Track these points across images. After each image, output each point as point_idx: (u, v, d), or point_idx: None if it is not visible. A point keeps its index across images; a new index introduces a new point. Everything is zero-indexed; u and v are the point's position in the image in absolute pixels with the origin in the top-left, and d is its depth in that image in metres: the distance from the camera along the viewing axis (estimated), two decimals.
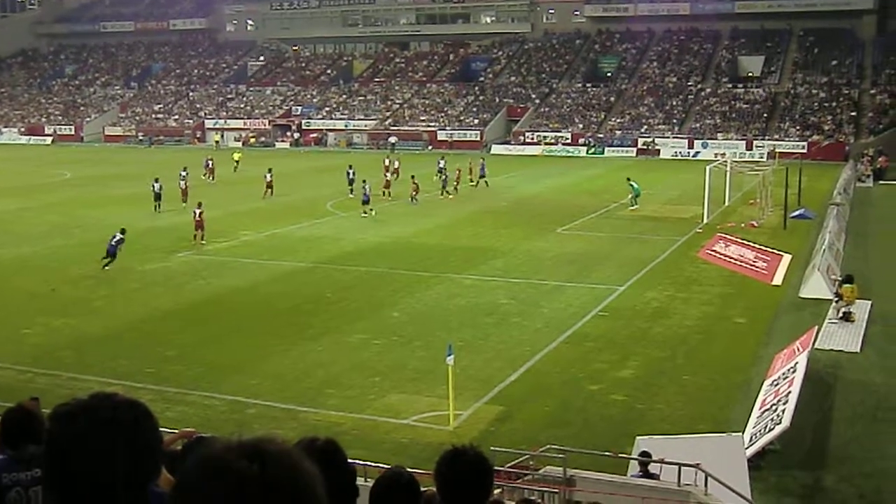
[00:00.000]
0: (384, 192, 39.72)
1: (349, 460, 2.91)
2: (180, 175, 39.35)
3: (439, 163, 45.07)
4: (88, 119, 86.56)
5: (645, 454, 10.90)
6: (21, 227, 33.20)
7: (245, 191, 42.06)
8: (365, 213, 35.26)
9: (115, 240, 25.61)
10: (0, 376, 16.17)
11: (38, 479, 4.67)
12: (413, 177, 39.60)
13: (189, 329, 19.54)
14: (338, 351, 17.84)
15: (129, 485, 1.90)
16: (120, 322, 20.05)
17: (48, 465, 1.92)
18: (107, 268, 25.18)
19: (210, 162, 48.27)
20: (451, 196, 40.92)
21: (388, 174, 42.71)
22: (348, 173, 41.95)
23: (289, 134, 78.32)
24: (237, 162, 51.40)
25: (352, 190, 40.42)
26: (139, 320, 20.19)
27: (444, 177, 41.96)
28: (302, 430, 13.47)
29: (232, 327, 19.67)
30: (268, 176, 41.00)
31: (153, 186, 36.87)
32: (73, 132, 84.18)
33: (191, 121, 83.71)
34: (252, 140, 77.18)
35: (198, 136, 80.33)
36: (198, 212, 29.89)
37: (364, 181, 36.64)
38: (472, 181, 44.69)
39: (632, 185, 37.40)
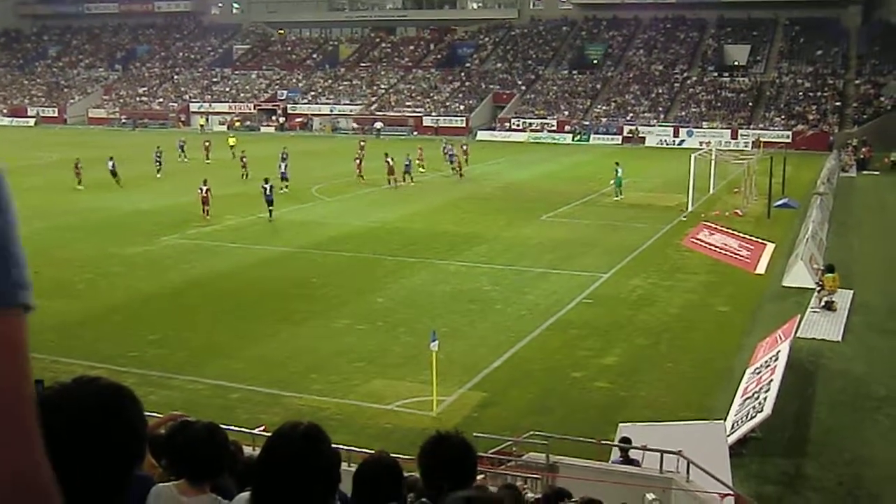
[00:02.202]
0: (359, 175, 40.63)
1: (333, 445, 2.90)
2: (155, 156, 41.30)
3: (444, 147, 46.23)
4: (72, 101, 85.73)
5: (625, 440, 10.98)
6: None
7: (225, 175, 41.80)
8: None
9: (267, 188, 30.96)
10: None
11: None
12: (388, 156, 39.93)
13: (173, 313, 19.45)
14: (322, 336, 17.82)
15: (115, 469, 1.89)
16: (103, 305, 19.94)
17: None
18: (271, 220, 30.56)
19: (183, 144, 48.79)
20: (406, 184, 40.25)
21: (361, 158, 42.22)
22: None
23: (274, 118, 77.88)
24: (232, 147, 50.19)
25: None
26: (123, 304, 20.09)
27: (406, 162, 41.19)
28: (286, 414, 13.46)
29: (216, 312, 19.60)
30: (244, 159, 41.75)
31: (108, 164, 39.66)
32: (56, 114, 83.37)
33: (175, 104, 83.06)
34: (237, 124, 76.68)
35: (182, 119, 79.72)
36: (204, 188, 30.99)
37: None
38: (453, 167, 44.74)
39: (616, 171, 37.26)
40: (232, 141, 51.67)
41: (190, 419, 4.37)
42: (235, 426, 9.96)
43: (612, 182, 37.29)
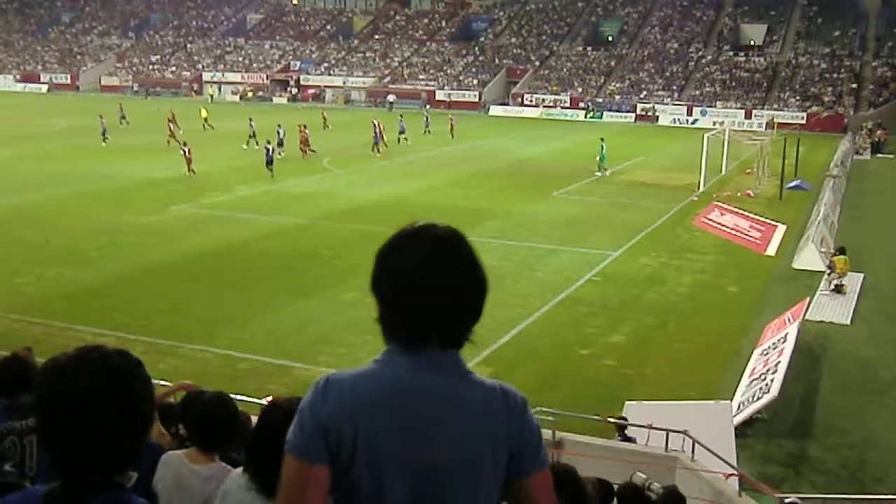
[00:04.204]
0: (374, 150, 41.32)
1: None
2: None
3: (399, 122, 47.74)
4: (85, 68, 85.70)
5: (622, 419, 11.05)
6: (16, 176, 33.02)
7: (234, 146, 41.79)
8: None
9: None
10: None
11: (32, 427, 4.70)
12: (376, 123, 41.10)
13: (183, 282, 19.54)
14: (331, 308, 17.88)
15: (126, 434, 1.91)
16: (113, 274, 20.04)
17: (42, 421, 1.93)
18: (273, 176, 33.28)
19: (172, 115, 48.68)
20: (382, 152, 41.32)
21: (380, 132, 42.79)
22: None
23: (287, 89, 77.68)
24: (206, 119, 50.60)
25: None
26: (133, 272, 20.17)
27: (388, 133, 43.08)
28: (294, 385, 13.55)
29: (225, 282, 19.68)
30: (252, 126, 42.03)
31: (100, 120, 42.20)
32: (69, 81, 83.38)
33: (188, 73, 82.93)
34: (249, 94, 76.59)
35: (195, 88, 79.65)
36: (186, 149, 33.76)
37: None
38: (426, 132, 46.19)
39: (601, 147, 36.90)
40: (204, 113, 51.50)
41: (200, 388, 4.41)
42: (243, 395, 10.03)
43: (597, 158, 36.94)
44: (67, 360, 1.93)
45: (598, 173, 36.45)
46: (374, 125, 42.19)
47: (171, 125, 42.92)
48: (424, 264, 2.11)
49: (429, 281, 2.10)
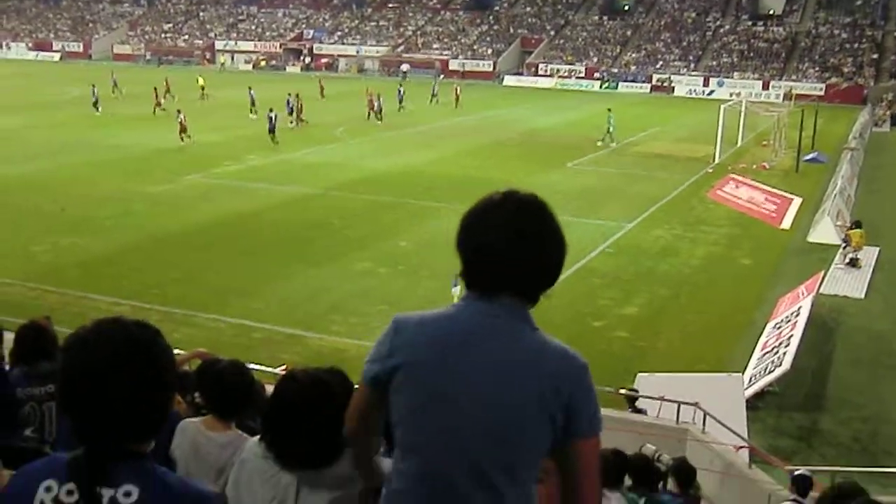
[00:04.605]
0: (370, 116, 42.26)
1: (353, 388, 2.94)
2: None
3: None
4: (97, 36, 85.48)
5: (633, 391, 11.08)
6: (29, 144, 33.12)
7: (242, 115, 41.69)
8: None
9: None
10: (10, 293, 16.33)
11: (51, 394, 4.75)
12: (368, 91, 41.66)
13: (195, 252, 19.62)
14: (343, 278, 17.94)
15: (147, 404, 1.94)
16: (127, 242, 20.14)
17: (64, 392, 1.95)
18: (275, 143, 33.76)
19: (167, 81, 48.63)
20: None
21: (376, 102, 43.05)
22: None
23: (300, 58, 77.33)
24: (202, 87, 50.38)
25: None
26: (146, 241, 20.27)
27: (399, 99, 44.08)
28: (306, 354, 13.65)
29: (238, 251, 19.74)
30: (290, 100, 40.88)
31: (91, 89, 42.49)
32: (81, 49, 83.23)
33: (201, 41, 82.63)
34: (262, 63, 76.29)
35: (207, 57, 79.39)
36: (181, 116, 33.78)
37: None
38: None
39: (609, 118, 36.60)
40: (201, 81, 51.33)
41: (216, 356, 4.44)
42: (257, 364, 10.09)
43: (607, 128, 36.57)
44: (88, 332, 1.95)
45: (599, 143, 36.17)
46: (369, 94, 42.71)
47: (157, 94, 42.53)
48: (505, 231, 2.24)
49: (508, 245, 2.23)
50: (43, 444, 4.50)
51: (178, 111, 34.75)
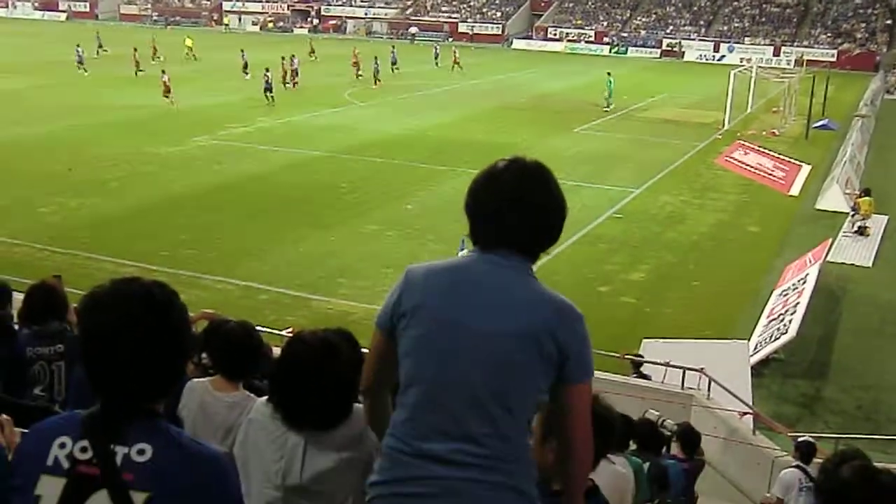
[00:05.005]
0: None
1: (361, 349, 2.96)
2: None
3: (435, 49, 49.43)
4: None
5: (638, 356, 11.11)
6: (35, 106, 33.02)
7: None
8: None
9: None
10: (18, 253, 16.39)
11: (60, 353, 4.78)
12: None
13: (203, 214, 19.64)
14: (351, 241, 17.95)
15: (163, 363, 1.96)
16: (135, 204, 20.15)
17: (84, 350, 1.97)
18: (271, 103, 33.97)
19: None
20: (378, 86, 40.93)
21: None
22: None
23: (308, 20, 76.64)
24: (189, 48, 50.03)
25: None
26: (154, 203, 20.28)
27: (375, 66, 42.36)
28: (313, 317, 13.70)
29: (246, 214, 19.75)
30: (292, 62, 40.74)
31: (76, 50, 42.45)
32: (87, 9, 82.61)
33: (208, 2, 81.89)
34: (270, 24, 75.67)
35: (215, 18, 78.72)
36: (165, 77, 33.89)
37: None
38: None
39: (609, 83, 36.37)
40: (189, 42, 50.90)
41: (223, 317, 4.46)
42: (263, 327, 10.14)
43: (605, 94, 36.36)
44: (107, 292, 1.97)
45: (605, 109, 35.97)
46: (355, 55, 43.15)
47: (137, 56, 41.94)
48: (509, 195, 2.43)
49: (512, 209, 2.42)
50: (52, 403, 4.54)
51: (163, 71, 34.79)
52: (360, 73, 43.02)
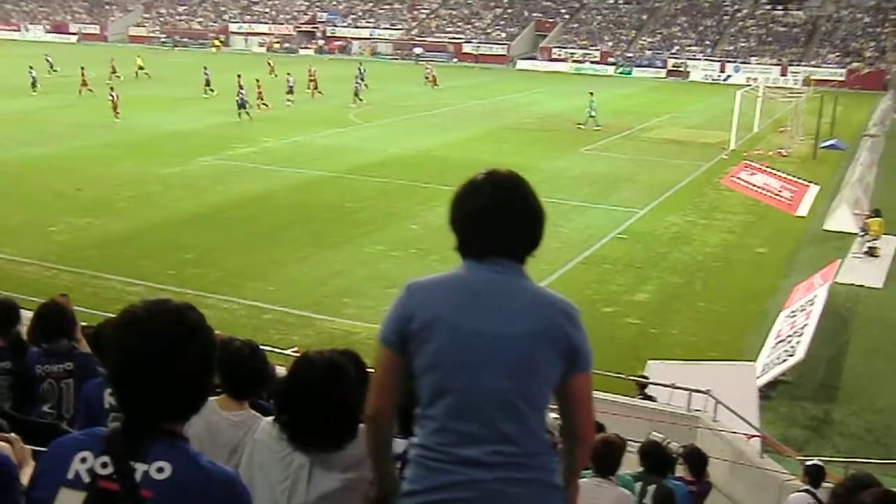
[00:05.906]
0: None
1: (366, 370, 2.95)
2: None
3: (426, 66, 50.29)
4: (113, 18, 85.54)
5: (643, 377, 11.05)
6: (45, 126, 33.23)
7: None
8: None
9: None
10: (27, 272, 16.44)
11: (69, 371, 4.79)
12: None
13: (209, 233, 19.68)
14: (355, 261, 17.96)
15: (192, 385, 2.01)
16: (142, 224, 20.22)
17: (114, 370, 1.99)
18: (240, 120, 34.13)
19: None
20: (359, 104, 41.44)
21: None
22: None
23: (313, 41, 77.17)
24: (140, 67, 50.98)
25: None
26: (160, 223, 20.35)
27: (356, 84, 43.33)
28: (318, 337, 13.69)
29: (251, 233, 19.79)
30: (290, 79, 41.45)
31: (29, 71, 42.68)
32: (98, 31, 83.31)
33: (215, 24, 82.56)
34: (276, 45, 76.17)
35: (222, 39, 79.31)
36: (114, 94, 35.19)
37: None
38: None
39: (591, 103, 36.41)
40: (139, 62, 51.87)
41: (230, 336, 4.44)
42: (268, 346, 10.12)
43: (590, 113, 36.30)
44: (141, 313, 1.99)
45: (581, 126, 35.95)
46: (311, 73, 43.64)
47: (84, 75, 41.94)
48: (486, 205, 2.56)
49: (490, 218, 2.55)
50: (60, 421, 4.54)
51: (111, 89, 36.04)
52: (318, 90, 43.68)
